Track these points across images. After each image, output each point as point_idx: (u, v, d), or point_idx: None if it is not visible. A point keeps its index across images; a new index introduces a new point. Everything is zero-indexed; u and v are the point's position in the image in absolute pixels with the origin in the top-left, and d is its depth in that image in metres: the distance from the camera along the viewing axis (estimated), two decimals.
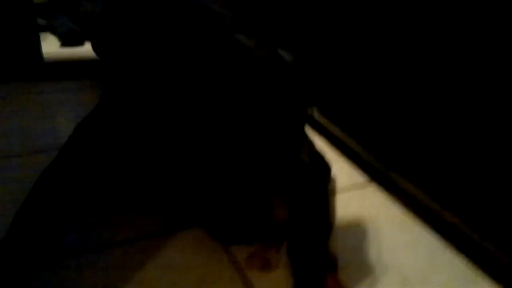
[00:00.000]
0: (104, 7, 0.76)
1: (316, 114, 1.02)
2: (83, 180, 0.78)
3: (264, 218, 0.73)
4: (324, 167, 0.91)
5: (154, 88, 0.77)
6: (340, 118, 0.94)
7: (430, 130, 0.69)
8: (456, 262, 0.71)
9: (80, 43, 1.47)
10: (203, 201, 0.74)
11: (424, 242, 0.75)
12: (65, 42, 1.46)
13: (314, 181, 0.85)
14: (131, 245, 0.71)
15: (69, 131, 0.81)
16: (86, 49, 1.40)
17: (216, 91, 0.68)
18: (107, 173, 0.80)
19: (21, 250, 0.68)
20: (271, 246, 0.71)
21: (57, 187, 0.77)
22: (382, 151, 0.82)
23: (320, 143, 1.06)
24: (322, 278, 0.60)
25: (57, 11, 1.58)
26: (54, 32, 1.53)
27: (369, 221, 0.80)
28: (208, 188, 0.72)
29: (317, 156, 0.92)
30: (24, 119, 1.10)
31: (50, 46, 1.45)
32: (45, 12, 1.57)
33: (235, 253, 0.70)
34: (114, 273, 0.65)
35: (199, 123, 0.72)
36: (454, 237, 0.73)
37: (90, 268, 0.66)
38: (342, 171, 0.95)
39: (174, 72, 0.75)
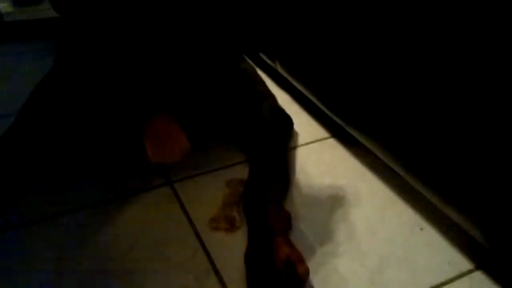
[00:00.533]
0: None
1: (279, 68, 1.01)
2: (40, 144, 0.79)
3: None
4: (286, 122, 0.92)
5: (116, 50, 0.76)
6: (301, 73, 0.93)
7: (385, 89, 0.69)
8: (404, 213, 0.73)
9: (36, 2, 1.40)
10: None
11: (378, 194, 0.77)
12: (20, 2, 1.41)
13: (275, 137, 0.86)
14: (88, 211, 0.73)
15: (25, 95, 0.81)
16: (42, 8, 1.36)
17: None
18: (62, 137, 0.81)
19: None
20: (233, 206, 0.73)
21: (14, 151, 0.77)
22: (341, 107, 0.82)
23: (285, 97, 1.06)
24: (272, 238, 0.62)
25: None
26: None
27: (326, 173, 0.82)
28: None
29: (279, 111, 0.93)
30: None
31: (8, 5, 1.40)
32: None
33: (194, 215, 0.72)
34: (70, 239, 0.67)
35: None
36: (404, 188, 0.75)
37: (44, 235, 0.68)
38: (305, 125, 0.95)
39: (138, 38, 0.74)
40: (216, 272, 0.62)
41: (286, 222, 0.69)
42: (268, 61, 1.06)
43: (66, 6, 1.24)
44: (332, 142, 0.91)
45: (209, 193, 0.76)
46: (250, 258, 0.62)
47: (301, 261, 0.58)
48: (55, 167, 0.81)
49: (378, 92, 0.70)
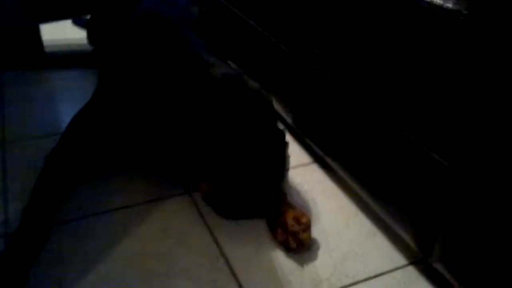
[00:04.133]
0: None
1: None
2: (82, 161, 1.03)
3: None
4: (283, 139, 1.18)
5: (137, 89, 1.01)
6: (288, 111, 1.20)
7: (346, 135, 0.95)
8: (363, 223, 0.99)
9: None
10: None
11: (345, 208, 1.03)
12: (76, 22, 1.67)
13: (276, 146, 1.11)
14: (126, 211, 0.97)
15: (69, 117, 1.05)
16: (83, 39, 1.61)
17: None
18: (101, 153, 1.04)
19: (40, 216, 0.91)
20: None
21: (60, 168, 1.00)
22: (318, 141, 1.09)
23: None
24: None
25: None
26: None
27: (306, 192, 1.07)
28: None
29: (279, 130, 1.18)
30: (26, 105, 1.34)
31: (51, 34, 1.65)
32: None
33: (206, 216, 0.97)
34: (113, 233, 0.91)
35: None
36: (364, 205, 1.01)
37: (94, 228, 0.92)
38: (293, 152, 1.21)
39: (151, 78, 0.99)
40: (236, 279, 0.84)
41: (286, 196, 0.98)
42: None
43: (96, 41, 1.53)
44: (314, 166, 1.17)
45: None
46: (271, 226, 0.93)
47: (303, 215, 0.89)
48: (98, 173, 1.06)
49: (342, 136, 0.97)
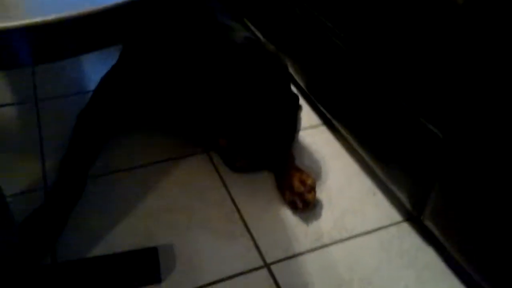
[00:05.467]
0: None
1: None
2: (110, 118, 1.13)
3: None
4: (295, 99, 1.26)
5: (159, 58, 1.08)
6: (300, 75, 1.27)
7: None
8: (364, 182, 1.08)
9: None
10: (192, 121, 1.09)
11: (349, 168, 1.12)
12: None
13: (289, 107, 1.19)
14: (148, 168, 1.08)
15: (94, 76, 1.13)
16: None
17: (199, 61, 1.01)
18: (126, 111, 1.14)
19: (76, 170, 1.03)
20: None
21: (92, 124, 1.11)
22: (327, 104, 1.16)
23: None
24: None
25: None
26: None
27: (315, 153, 1.16)
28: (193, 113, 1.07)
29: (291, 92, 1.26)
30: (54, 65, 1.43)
31: None
32: None
33: (222, 173, 1.07)
34: (138, 188, 1.03)
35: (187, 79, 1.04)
36: (366, 165, 1.10)
37: (120, 183, 1.03)
38: (304, 114, 1.29)
39: (172, 47, 1.05)
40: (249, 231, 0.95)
41: (294, 159, 1.08)
42: None
43: None
44: (323, 128, 1.25)
45: None
46: (280, 186, 1.02)
47: (309, 177, 0.98)
48: (123, 131, 1.16)
49: (348, 102, 1.04)
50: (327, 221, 0.98)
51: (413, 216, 0.99)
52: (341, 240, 0.95)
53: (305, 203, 0.97)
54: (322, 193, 1.04)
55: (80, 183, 1.00)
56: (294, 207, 0.99)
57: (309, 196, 0.97)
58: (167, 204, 1.00)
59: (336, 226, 0.97)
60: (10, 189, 0.97)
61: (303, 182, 0.98)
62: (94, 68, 1.40)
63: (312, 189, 0.98)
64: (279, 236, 0.94)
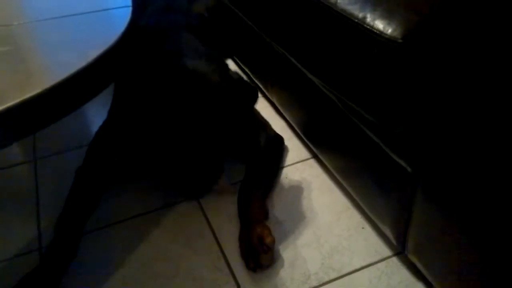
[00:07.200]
0: None
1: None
2: (103, 173, 1.15)
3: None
4: (278, 143, 1.26)
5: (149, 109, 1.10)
6: (288, 111, 1.27)
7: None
8: (354, 215, 1.07)
9: None
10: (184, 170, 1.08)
11: (338, 202, 1.11)
12: None
13: (266, 156, 1.19)
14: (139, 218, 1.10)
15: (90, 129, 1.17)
16: None
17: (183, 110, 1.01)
18: (118, 165, 1.16)
19: (71, 229, 1.04)
20: None
21: (88, 181, 1.13)
22: (311, 139, 1.16)
23: (281, 123, 1.39)
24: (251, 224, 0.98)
25: None
26: None
27: (305, 187, 1.16)
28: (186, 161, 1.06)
29: (273, 136, 1.26)
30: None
31: None
32: None
33: (209, 218, 1.08)
34: (129, 239, 1.05)
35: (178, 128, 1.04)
36: (354, 199, 1.08)
37: (108, 240, 1.05)
38: (293, 148, 1.29)
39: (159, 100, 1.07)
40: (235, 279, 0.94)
41: (263, 212, 1.04)
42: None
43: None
44: (312, 162, 1.24)
45: (229, 205, 1.10)
46: (240, 238, 0.99)
47: (268, 235, 0.93)
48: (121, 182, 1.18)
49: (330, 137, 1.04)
50: (315, 262, 0.97)
51: (401, 251, 0.97)
52: (329, 281, 0.93)
53: (257, 265, 0.92)
54: (310, 231, 1.03)
55: (74, 242, 1.02)
56: (247, 266, 0.95)
57: (263, 258, 0.91)
58: (156, 254, 1.01)
59: (323, 267, 0.96)
60: (5, 253, 1.01)
61: (261, 240, 0.92)
62: (90, 122, 1.45)
63: (269, 249, 0.92)
64: (264, 283, 0.94)
